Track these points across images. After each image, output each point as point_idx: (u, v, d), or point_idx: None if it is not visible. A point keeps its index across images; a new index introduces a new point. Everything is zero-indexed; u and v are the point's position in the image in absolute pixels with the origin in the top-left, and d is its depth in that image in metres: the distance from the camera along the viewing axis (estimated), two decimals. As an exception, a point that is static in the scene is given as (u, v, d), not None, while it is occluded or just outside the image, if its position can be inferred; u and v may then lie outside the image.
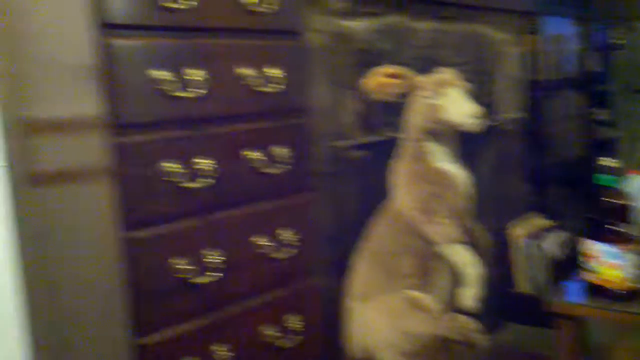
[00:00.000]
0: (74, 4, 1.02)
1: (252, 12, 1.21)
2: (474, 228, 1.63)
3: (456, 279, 1.56)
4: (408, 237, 1.53)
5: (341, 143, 1.58)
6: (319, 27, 1.48)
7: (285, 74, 1.27)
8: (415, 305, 1.49)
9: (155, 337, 1.12)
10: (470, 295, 1.54)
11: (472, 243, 1.56)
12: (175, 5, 1.08)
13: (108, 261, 1.10)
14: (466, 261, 1.53)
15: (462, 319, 1.52)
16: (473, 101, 1.53)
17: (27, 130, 1.27)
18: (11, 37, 1.25)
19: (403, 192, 1.55)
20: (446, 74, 1.55)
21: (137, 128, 1.07)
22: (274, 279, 1.30)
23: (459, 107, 1.50)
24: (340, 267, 1.57)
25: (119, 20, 1.03)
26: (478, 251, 1.58)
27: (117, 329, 1.12)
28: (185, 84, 1.10)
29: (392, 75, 1.49)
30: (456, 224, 1.52)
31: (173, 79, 1.08)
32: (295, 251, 1.31)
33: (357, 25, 1.62)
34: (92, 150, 1.08)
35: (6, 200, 1.35)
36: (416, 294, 1.51)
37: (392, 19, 1.73)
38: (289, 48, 1.30)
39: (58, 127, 1.17)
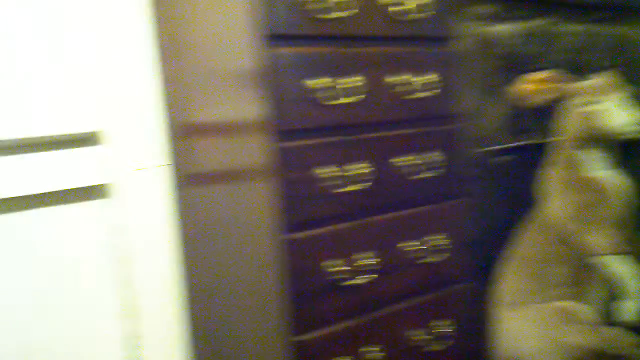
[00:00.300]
0: (240, 16, 1.10)
1: (405, 20, 1.23)
2: (635, 238, 1.54)
3: (613, 291, 1.48)
4: (560, 245, 1.48)
5: (487, 148, 1.55)
6: (466, 32, 1.47)
7: (436, 80, 1.28)
8: (568, 315, 1.44)
9: (309, 336, 1.16)
10: (630, 308, 1.45)
11: (633, 253, 1.48)
12: (331, 16, 1.12)
13: (266, 261, 1.16)
14: (626, 273, 1.45)
15: (620, 332, 1.44)
16: (634, 108, 1.45)
17: (189, 133, 1.37)
18: (176, 45, 1.35)
19: (555, 200, 1.49)
20: (603, 79, 1.48)
21: (295, 133, 1.12)
22: (424, 283, 1.30)
23: (619, 115, 1.42)
24: (486, 274, 1.54)
25: (280, 31, 1.08)
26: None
27: (273, 327, 1.17)
28: (342, 92, 1.14)
29: (545, 81, 1.45)
30: (615, 233, 1.45)
31: (329, 86, 1.13)
32: (445, 256, 1.31)
33: (503, 29, 1.59)
34: (253, 153, 1.14)
35: (168, 199, 1.46)
36: (569, 304, 1.45)
37: (539, 23, 1.69)
38: (439, 54, 1.30)
39: (220, 130, 1.25)
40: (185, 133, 1.39)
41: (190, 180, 1.40)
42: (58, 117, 1.31)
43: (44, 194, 1.29)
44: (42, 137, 1.27)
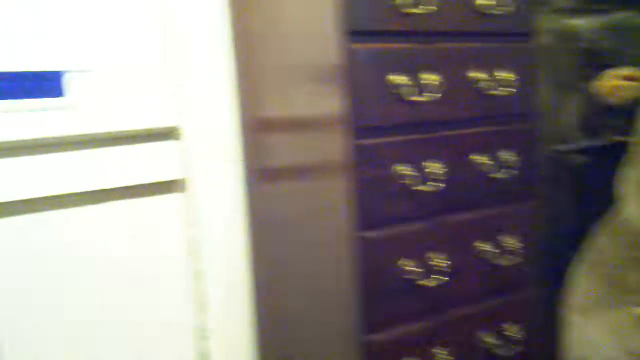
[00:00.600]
0: (321, 10, 1.08)
1: (486, 15, 1.19)
2: None
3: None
4: (638, 250, 1.42)
5: (562, 147, 1.50)
6: (545, 26, 1.42)
7: (515, 77, 1.23)
8: (644, 324, 1.38)
9: (380, 336, 1.14)
10: None
11: None
12: (414, 11, 1.09)
13: (339, 258, 1.15)
14: None
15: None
16: None
17: (262, 128, 1.36)
18: (251, 39, 1.34)
19: (633, 203, 1.43)
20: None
21: (373, 130, 1.09)
22: (496, 286, 1.27)
23: None
24: (559, 278, 1.50)
25: (362, 26, 1.06)
26: None
27: (343, 325, 1.16)
28: (421, 88, 1.11)
29: (631, 78, 1.39)
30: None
31: (409, 83, 1.10)
32: (517, 259, 1.28)
33: (584, 23, 1.53)
34: (329, 150, 1.13)
35: (240, 193, 1.46)
36: (646, 312, 1.40)
37: (622, 16, 1.61)
38: (519, 50, 1.26)
39: (294, 126, 1.24)
40: (257, 128, 1.38)
41: (262, 176, 1.40)
42: (136, 111, 1.32)
43: (121, 187, 1.31)
44: (121, 131, 1.28)
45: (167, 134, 1.34)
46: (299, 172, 1.25)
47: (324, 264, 1.21)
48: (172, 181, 1.37)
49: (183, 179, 1.39)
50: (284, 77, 1.24)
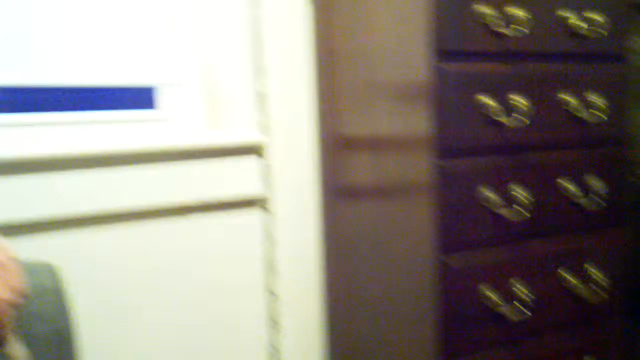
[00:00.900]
0: (410, 29, 1.07)
1: (579, 36, 1.15)
2: None
3: None
4: None
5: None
6: (637, 48, 1.37)
7: (607, 100, 1.19)
8: None
9: (457, 361, 1.12)
10: None
11: None
12: (505, 31, 1.07)
13: (418, 281, 1.13)
14: None
15: None
16: None
17: (341, 146, 1.36)
18: (332, 57, 1.35)
19: None
20: None
21: (458, 151, 1.08)
22: (578, 317, 1.22)
23: None
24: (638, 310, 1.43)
25: (451, 46, 1.05)
26: None
27: (420, 348, 1.14)
28: (509, 110, 1.09)
29: None
30: None
31: (498, 104, 1.08)
32: (603, 290, 1.22)
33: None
34: (412, 169, 1.12)
35: (317, 211, 1.47)
36: None
37: None
38: (611, 73, 1.21)
39: (375, 144, 1.23)
40: (337, 146, 1.38)
41: (340, 194, 1.39)
42: (222, 125, 1.35)
43: (203, 201, 1.33)
44: (208, 145, 1.31)
45: (251, 149, 1.36)
46: (378, 191, 1.24)
47: (402, 286, 1.19)
48: (252, 197, 1.39)
49: (264, 195, 1.40)
50: (368, 96, 1.24)
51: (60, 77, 1.22)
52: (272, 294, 1.44)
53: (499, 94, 1.08)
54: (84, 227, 1.23)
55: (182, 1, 1.31)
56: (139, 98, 1.33)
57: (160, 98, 1.34)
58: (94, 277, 1.24)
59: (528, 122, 1.11)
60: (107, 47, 1.25)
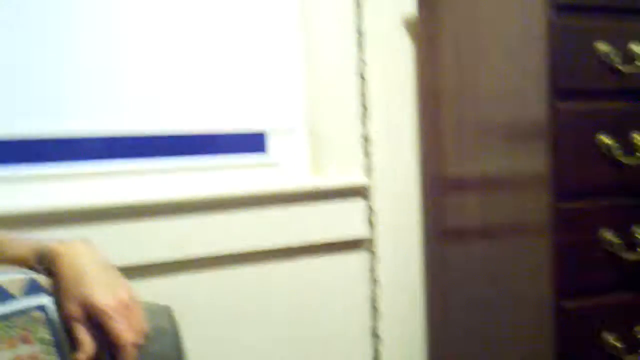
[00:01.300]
0: (525, 68, 1.06)
1: None
2: None
3: None
4: None
5: None
6: None
7: None
8: None
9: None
10: None
11: None
12: (625, 68, 1.04)
13: (534, 327, 1.09)
14: None
15: None
16: None
17: (445, 187, 1.35)
18: (437, 97, 1.35)
19: None
20: None
21: (577, 192, 1.04)
22: None
23: None
24: None
25: (569, 84, 1.02)
26: None
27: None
28: (631, 149, 1.05)
29: None
30: None
31: (618, 144, 1.04)
32: None
33: None
34: (527, 210, 1.09)
35: (421, 253, 1.45)
36: None
37: None
38: None
39: (482, 184, 1.21)
40: (442, 187, 1.37)
41: (444, 234, 1.38)
42: (330, 168, 1.38)
43: (308, 243, 1.34)
44: (316, 188, 1.33)
45: (356, 191, 1.37)
46: (488, 231, 1.22)
47: (514, 332, 1.15)
48: (357, 238, 1.39)
49: (368, 236, 1.40)
50: (476, 135, 1.22)
51: (180, 125, 1.28)
52: (376, 336, 1.42)
53: (619, 133, 1.04)
54: (198, 269, 1.26)
55: (292, 48, 1.36)
56: (250, 143, 1.37)
57: (270, 143, 1.38)
58: (200, 318, 1.27)
59: (650, 161, 1.06)
60: (220, 94, 1.30)
